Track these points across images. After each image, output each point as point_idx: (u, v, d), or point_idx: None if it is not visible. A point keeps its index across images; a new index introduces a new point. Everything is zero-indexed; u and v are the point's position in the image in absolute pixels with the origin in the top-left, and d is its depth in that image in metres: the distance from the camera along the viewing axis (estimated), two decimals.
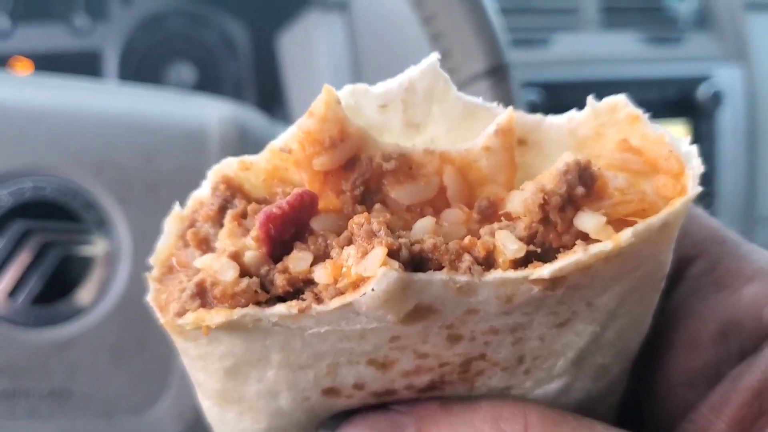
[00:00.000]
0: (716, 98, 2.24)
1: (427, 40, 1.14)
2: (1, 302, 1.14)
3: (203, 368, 0.53)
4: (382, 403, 0.55)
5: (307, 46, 1.99)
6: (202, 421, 0.63)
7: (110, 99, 1.33)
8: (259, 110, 1.50)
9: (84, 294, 1.17)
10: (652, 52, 2.33)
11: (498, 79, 1.11)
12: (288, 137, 0.54)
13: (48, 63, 2.01)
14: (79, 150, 1.18)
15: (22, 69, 2.04)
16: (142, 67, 2.14)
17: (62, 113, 1.22)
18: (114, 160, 1.18)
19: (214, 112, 1.28)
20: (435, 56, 0.56)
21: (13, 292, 1.14)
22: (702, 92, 2.23)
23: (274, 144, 0.54)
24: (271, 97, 2.16)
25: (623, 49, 2.33)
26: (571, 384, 0.55)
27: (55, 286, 1.16)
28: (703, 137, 2.23)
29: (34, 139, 1.18)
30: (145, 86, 1.76)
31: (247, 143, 1.23)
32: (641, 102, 0.55)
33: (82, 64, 2.06)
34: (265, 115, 1.46)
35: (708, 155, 2.28)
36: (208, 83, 2.16)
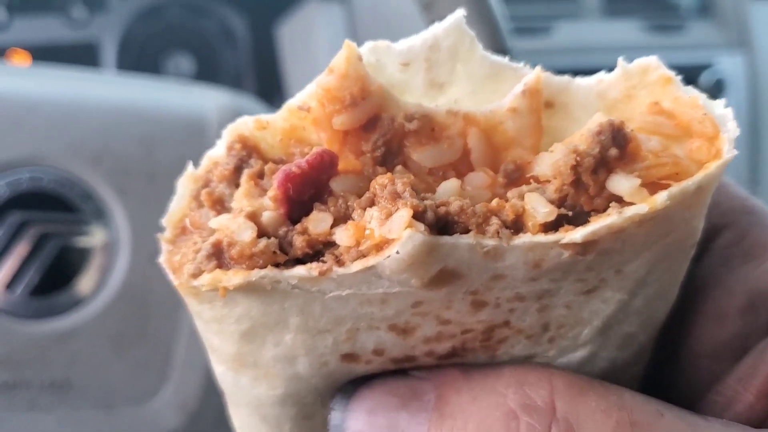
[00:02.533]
0: (718, 86, 2.23)
1: (427, 27, 1.13)
2: (0, 294, 1.12)
3: (218, 331, 0.51)
4: (401, 369, 0.53)
5: (306, 36, 1.97)
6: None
7: (108, 88, 1.31)
8: (259, 100, 1.48)
9: (83, 285, 1.16)
10: (654, 40, 2.32)
11: None
12: (306, 95, 0.52)
13: (46, 55, 1.99)
14: (76, 140, 1.16)
15: (20, 61, 2.02)
16: (141, 58, 2.12)
17: (59, 103, 1.20)
18: (112, 150, 1.17)
19: (212, 101, 1.27)
20: (461, 13, 0.54)
21: (12, 283, 1.13)
22: (704, 80, 2.23)
23: (292, 102, 0.53)
24: (270, 88, 2.14)
25: (625, 37, 2.32)
26: (596, 353, 0.54)
27: (54, 278, 1.15)
28: None
29: (30, 129, 1.16)
30: (143, 77, 1.75)
31: None
32: None
33: (80, 56, 2.05)
34: (265, 105, 1.44)
35: None
36: (207, 74, 2.14)
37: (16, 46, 2.04)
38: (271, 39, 2.15)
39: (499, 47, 1.12)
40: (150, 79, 1.66)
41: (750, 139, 2.30)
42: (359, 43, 0.53)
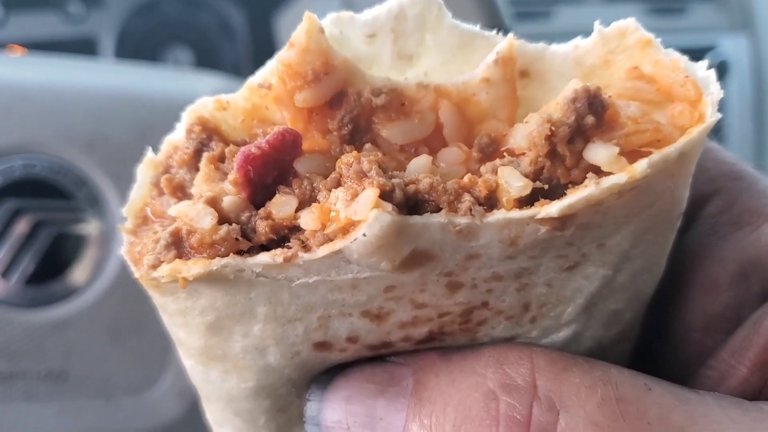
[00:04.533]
0: (722, 68, 2.19)
1: None
2: None
3: (183, 324, 0.49)
4: (379, 356, 0.51)
5: None
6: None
7: (101, 75, 1.29)
8: None
9: (78, 273, 1.15)
10: (656, 23, 2.28)
11: None
12: (267, 72, 0.49)
13: (43, 50, 1.98)
14: (69, 126, 1.14)
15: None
16: (139, 52, 2.10)
17: (51, 90, 1.18)
18: (106, 136, 1.15)
19: (207, 86, 1.25)
20: None
21: (6, 272, 1.12)
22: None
23: (253, 80, 0.50)
24: None
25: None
26: (580, 332, 0.51)
27: (49, 266, 1.13)
28: None
29: (23, 116, 1.15)
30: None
31: None
32: None
33: (78, 51, 2.03)
34: None
35: (714, 126, 2.23)
36: (206, 67, 2.12)
37: (13, 43, 2.03)
38: (270, 31, 2.12)
39: (497, 27, 1.10)
40: (143, 66, 1.65)
41: (754, 120, 2.26)
42: None
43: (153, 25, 2.17)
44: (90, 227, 1.16)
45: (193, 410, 1.12)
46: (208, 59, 2.20)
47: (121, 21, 2.13)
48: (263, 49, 2.16)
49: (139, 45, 2.15)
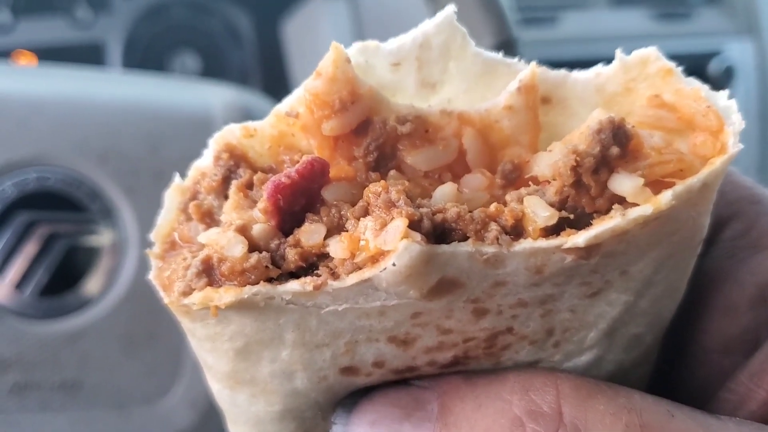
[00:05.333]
0: (728, 73, 2.19)
1: None
2: (9, 294, 1.13)
3: (212, 349, 0.50)
4: (403, 380, 0.52)
5: (312, 32, 1.95)
6: (215, 411, 0.60)
7: (114, 87, 1.30)
8: (265, 97, 1.47)
9: (92, 285, 1.16)
10: (662, 29, 2.28)
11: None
12: (294, 100, 0.50)
13: (51, 56, 1.98)
14: (82, 139, 1.15)
15: (26, 62, 2.02)
16: (146, 57, 2.11)
17: (65, 102, 1.19)
18: (119, 149, 1.16)
19: (218, 98, 1.26)
20: (451, 8, 0.52)
21: (20, 284, 1.13)
22: (713, 67, 2.19)
23: (280, 108, 0.51)
24: (276, 85, 2.12)
25: (632, 26, 2.28)
26: (602, 356, 0.52)
27: (63, 278, 1.14)
28: None
29: (36, 129, 1.15)
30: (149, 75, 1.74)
31: None
32: None
33: (86, 56, 2.04)
34: (272, 101, 1.43)
35: None
36: (214, 72, 2.12)
37: (21, 48, 2.04)
38: (277, 36, 2.13)
39: (505, 38, 1.10)
40: (155, 77, 1.65)
41: (760, 126, 2.26)
42: (364, 39, 0.51)
43: (160, 31, 2.18)
44: (103, 239, 1.17)
45: (205, 420, 1.12)
46: (215, 64, 2.21)
47: (128, 26, 2.14)
48: (270, 54, 2.17)
49: (147, 50, 2.16)
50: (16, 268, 1.13)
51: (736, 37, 2.31)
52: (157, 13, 2.17)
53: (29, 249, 1.13)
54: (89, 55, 2.08)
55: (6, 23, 2.04)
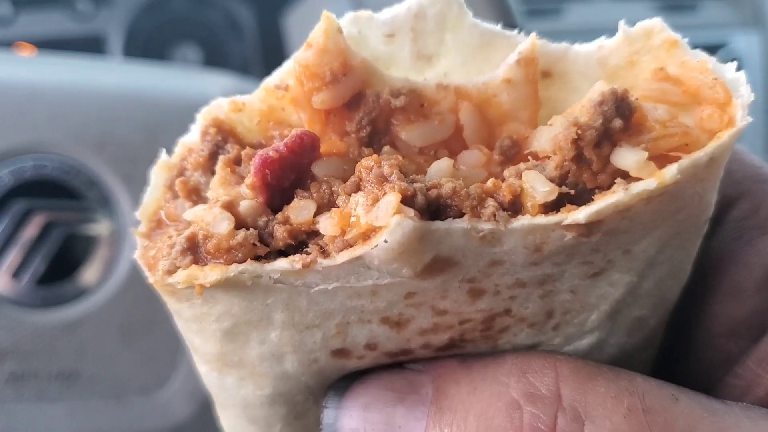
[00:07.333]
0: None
1: None
2: (6, 283, 1.11)
3: (199, 330, 0.48)
4: (397, 363, 0.50)
5: (313, 24, 1.93)
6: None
7: (112, 75, 1.29)
8: None
9: (89, 274, 1.14)
10: (667, 20, 2.25)
11: None
12: (284, 73, 0.48)
13: (52, 48, 1.98)
14: (80, 127, 1.14)
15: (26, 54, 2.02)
16: (147, 50, 2.10)
17: (62, 90, 1.18)
18: (117, 137, 1.15)
19: (217, 86, 1.25)
20: None
21: (17, 272, 1.12)
22: (719, 60, 2.18)
23: (269, 81, 0.49)
24: None
25: (637, 18, 2.26)
26: (604, 339, 0.50)
27: (60, 266, 1.13)
28: None
29: (33, 116, 1.14)
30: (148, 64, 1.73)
31: None
32: None
33: (86, 49, 2.03)
34: None
35: None
36: (215, 64, 2.11)
37: (22, 40, 2.03)
38: (278, 29, 2.11)
39: (509, 26, 1.08)
40: (153, 65, 1.64)
41: (765, 121, 2.23)
42: None
43: (161, 23, 2.17)
44: (100, 227, 1.16)
45: (203, 410, 1.11)
46: (216, 57, 2.19)
47: (129, 18, 2.12)
48: (271, 46, 2.15)
49: (148, 42, 2.15)
50: (13, 256, 1.11)
51: (742, 29, 2.29)
52: (158, 5, 2.16)
53: (26, 237, 1.12)
54: (90, 48, 2.07)
55: (7, 15, 2.03)
